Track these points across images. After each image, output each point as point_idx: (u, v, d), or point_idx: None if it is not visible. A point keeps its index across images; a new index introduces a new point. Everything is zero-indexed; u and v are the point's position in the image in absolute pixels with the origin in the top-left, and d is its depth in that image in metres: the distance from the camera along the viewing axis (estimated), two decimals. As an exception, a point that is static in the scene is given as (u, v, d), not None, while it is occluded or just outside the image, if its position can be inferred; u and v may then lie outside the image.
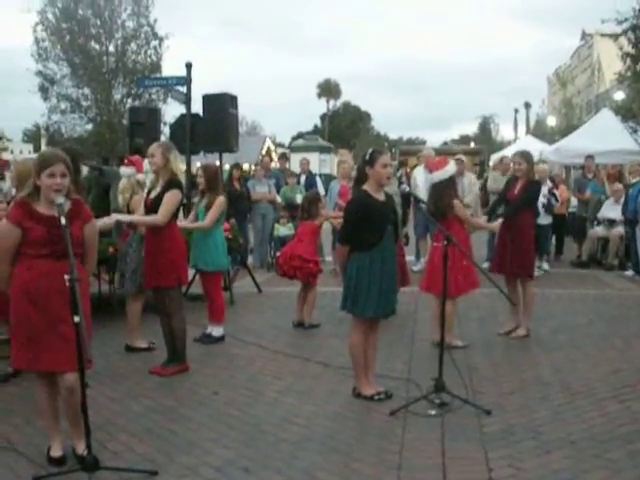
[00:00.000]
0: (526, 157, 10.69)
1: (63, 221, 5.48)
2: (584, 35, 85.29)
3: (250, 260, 17.38)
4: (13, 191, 8.75)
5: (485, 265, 15.40)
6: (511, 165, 11.68)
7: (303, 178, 19.12)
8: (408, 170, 22.95)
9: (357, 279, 7.46)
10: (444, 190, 9.74)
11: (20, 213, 5.83)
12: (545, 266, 17.27)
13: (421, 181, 16.57)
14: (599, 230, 18.06)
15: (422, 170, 17.10)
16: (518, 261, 10.37)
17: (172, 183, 8.70)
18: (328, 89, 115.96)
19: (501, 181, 16.50)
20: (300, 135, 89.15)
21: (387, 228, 7.53)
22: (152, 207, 8.72)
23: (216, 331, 10.36)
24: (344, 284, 7.67)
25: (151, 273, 8.80)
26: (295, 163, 24.28)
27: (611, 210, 17.95)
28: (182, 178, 9.04)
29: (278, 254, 16.95)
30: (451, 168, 9.86)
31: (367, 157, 7.57)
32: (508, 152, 34.93)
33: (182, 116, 14.79)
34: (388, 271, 7.55)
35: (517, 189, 10.58)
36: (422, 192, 15.19)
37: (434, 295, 9.67)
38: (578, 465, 6.04)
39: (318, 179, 19.81)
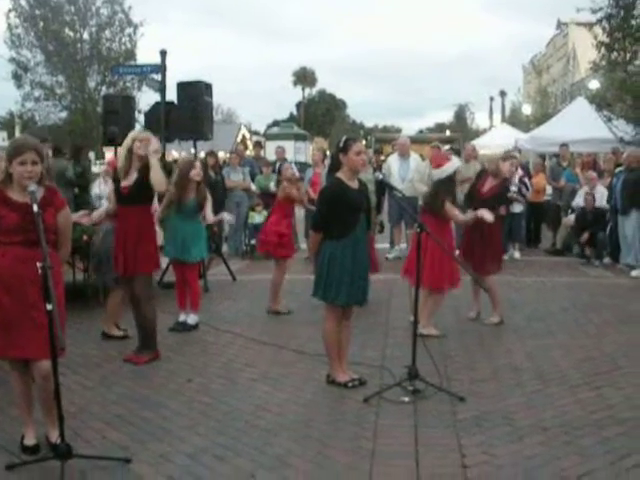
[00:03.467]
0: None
1: (35, 208, 5.45)
2: (559, 24, 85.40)
3: (225, 248, 17.36)
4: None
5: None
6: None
7: (278, 166, 19.09)
8: (382, 158, 22.87)
9: (329, 266, 7.46)
10: (439, 189, 9.83)
11: (-7, 200, 5.81)
12: (516, 255, 17.36)
13: (395, 169, 16.62)
14: (573, 218, 18.10)
15: (397, 158, 17.13)
16: (482, 260, 10.41)
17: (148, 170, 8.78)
18: (304, 77, 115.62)
19: (465, 169, 16.54)
20: (275, 123, 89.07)
21: (360, 216, 7.54)
22: (130, 194, 8.68)
23: (191, 319, 10.35)
24: (316, 271, 7.69)
25: (130, 260, 8.71)
26: (270, 151, 24.23)
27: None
28: None
29: (253, 242, 17.04)
30: (449, 167, 9.97)
31: (341, 145, 7.57)
32: (483, 140, 35.18)
33: (157, 104, 14.74)
34: (360, 259, 7.56)
35: (488, 186, 10.62)
36: (396, 180, 15.26)
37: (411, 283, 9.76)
38: (550, 451, 6.08)
39: (294, 166, 19.75)
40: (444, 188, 9.84)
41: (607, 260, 16.77)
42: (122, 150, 8.91)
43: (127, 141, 8.83)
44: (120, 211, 8.91)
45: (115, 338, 9.73)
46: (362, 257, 7.62)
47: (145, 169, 8.64)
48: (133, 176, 8.72)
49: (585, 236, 16.74)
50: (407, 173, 16.21)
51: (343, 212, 7.42)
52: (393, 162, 17.21)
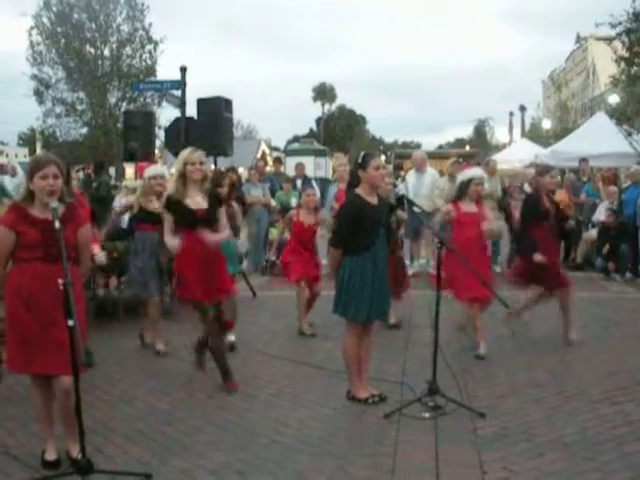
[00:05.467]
0: None
1: (57, 224, 5.49)
2: (579, 38, 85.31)
3: (245, 264, 17.35)
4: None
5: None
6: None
7: (299, 182, 19.10)
8: (402, 173, 22.94)
9: (349, 282, 7.48)
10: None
11: (14, 217, 5.85)
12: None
13: (411, 184, 16.60)
14: (593, 233, 18.01)
15: (413, 173, 17.14)
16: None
17: (219, 196, 8.79)
18: (323, 93, 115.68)
19: (489, 183, 16.50)
20: (295, 139, 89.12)
21: (379, 231, 7.55)
22: (208, 216, 8.27)
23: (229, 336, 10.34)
24: (336, 287, 7.69)
25: (216, 283, 8.33)
26: (290, 167, 24.24)
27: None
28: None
29: (273, 258, 17.04)
30: (469, 172, 10.37)
31: (360, 160, 7.59)
32: (503, 155, 35.06)
33: (177, 120, 14.85)
34: (380, 274, 7.57)
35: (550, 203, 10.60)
36: (410, 195, 15.23)
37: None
38: (571, 467, 6.06)
39: (314, 182, 19.77)
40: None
41: (628, 275, 16.69)
42: (175, 175, 8.44)
43: (179, 166, 8.35)
44: (193, 236, 8.19)
45: (136, 354, 9.76)
46: (382, 273, 7.62)
47: (215, 196, 8.54)
48: (200, 199, 8.31)
49: (606, 248, 16.64)
50: (421, 188, 16.28)
51: (362, 228, 7.43)
52: (409, 177, 17.25)
